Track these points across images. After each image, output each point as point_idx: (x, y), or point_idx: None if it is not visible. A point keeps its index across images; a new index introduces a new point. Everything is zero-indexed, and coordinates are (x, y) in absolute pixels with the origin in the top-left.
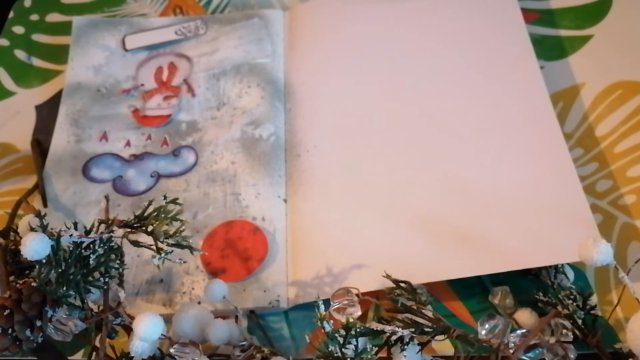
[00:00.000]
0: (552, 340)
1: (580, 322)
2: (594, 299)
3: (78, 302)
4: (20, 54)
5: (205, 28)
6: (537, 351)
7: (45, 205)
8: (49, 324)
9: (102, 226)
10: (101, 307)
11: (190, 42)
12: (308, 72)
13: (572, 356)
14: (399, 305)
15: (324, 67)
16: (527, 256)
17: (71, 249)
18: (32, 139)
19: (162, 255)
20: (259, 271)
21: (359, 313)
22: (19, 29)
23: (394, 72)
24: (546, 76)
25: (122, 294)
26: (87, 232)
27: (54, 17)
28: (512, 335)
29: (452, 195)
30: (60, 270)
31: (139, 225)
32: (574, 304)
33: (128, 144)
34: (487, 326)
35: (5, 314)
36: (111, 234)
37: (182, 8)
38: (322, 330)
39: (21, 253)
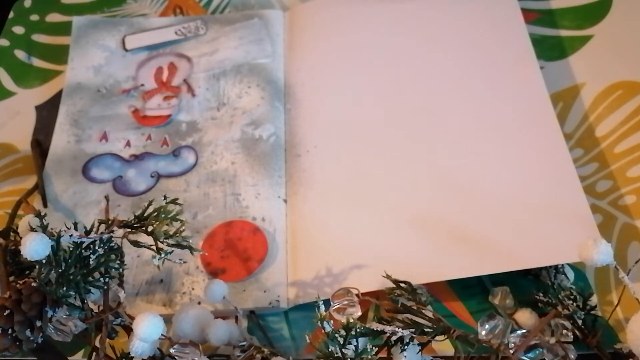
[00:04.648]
0: (552, 340)
1: (580, 322)
2: (594, 300)
3: (78, 303)
4: (20, 54)
5: (205, 28)
6: (537, 351)
7: (45, 205)
8: (49, 324)
9: (102, 226)
10: (101, 308)
11: (190, 42)
12: (308, 73)
13: (572, 356)
14: (399, 305)
15: (324, 68)
16: (527, 256)
17: (71, 249)
18: (32, 139)
19: (162, 255)
20: (259, 271)
21: (359, 313)
22: (19, 29)
23: (394, 72)
24: (546, 76)
25: (122, 294)
26: (87, 233)
27: (54, 17)
28: (512, 335)
29: (452, 195)
30: (60, 270)
31: (139, 225)
32: (574, 304)
33: (128, 144)
34: (487, 326)
35: (5, 314)
36: (111, 234)
37: (182, 8)
38: (322, 331)
39: (21, 253)
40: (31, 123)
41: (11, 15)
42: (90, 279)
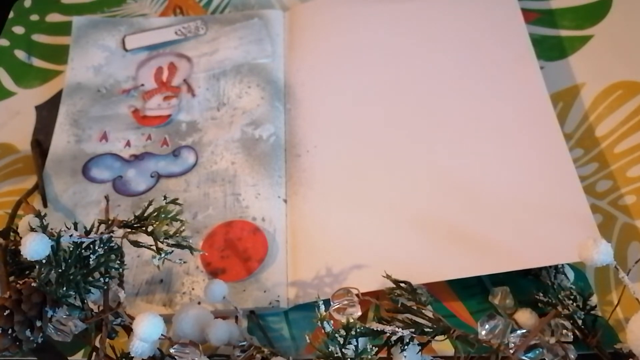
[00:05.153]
0: (552, 340)
1: (580, 322)
2: (594, 299)
3: (78, 303)
4: (20, 54)
5: (205, 28)
6: (537, 351)
7: (45, 205)
8: (49, 324)
9: (102, 226)
10: (101, 308)
11: (190, 42)
12: (308, 73)
13: (572, 356)
14: (399, 305)
15: (324, 68)
16: (527, 256)
17: (71, 249)
18: (32, 139)
19: (162, 255)
20: (259, 271)
21: (359, 313)
22: (19, 29)
23: (394, 72)
24: (546, 76)
25: (122, 294)
26: (87, 233)
27: (54, 17)
28: (512, 335)
29: (452, 195)
30: (60, 270)
31: (139, 225)
32: (574, 304)
33: (128, 144)
34: (487, 326)
35: (5, 314)
36: (111, 234)
37: (182, 8)
38: (322, 331)
39: (21, 253)
40: (31, 123)
41: (11, 15)
42: (90, 279)
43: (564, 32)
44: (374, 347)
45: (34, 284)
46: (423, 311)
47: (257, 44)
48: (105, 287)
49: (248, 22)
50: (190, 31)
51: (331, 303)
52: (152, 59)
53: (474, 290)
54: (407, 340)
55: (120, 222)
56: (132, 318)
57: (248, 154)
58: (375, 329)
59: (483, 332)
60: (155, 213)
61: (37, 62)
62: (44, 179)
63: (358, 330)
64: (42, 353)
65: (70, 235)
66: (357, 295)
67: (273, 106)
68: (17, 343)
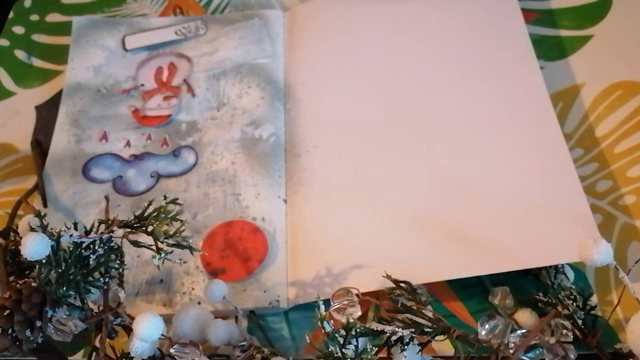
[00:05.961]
0: (552, 340)
1: (580, 322)
2: (594, 299)
3: (78, 303)
4: (20, 54)
5: (205, 28)
6: (537, 351)
7: (45, 205)
8: (49, 324)
9: (102, 226)
10: (101, 308)
11: (190, 42)
12: (308, 73)
13: (572, 356)
14: (399, 305)
15: (324, 68)
16: (527, 256)
17: (71, 249)
18: (32, 139)
19: (162, 255)
20: (259, 271)
21: (359, 313)
22: (19, 29)
23: (394, 72)
24: (546, 76)
25: (122, 294)
26: (87, 233)
27: (54, 17)
28: (512, 335)
29: (452, 195)
30: (60, 270)
31: (139, 225)
32: (574, 304)
33: (128, 144)
34: (487, 326)
35: (5, 314)
36: (111, 234)
37: (182, 8)
38: (322, 331)
39: (21, 253)
40: (31, 123)
41: (11, 15)
42: (90, 279)
43: (564, 32)
44: (374, 347)
45: (34, 284)
46: (423, 311)
47: (257, 44)
48: (105, 287)
49: (248, 22)
50: (190, 31)
51: (331, 303)
52: (152, 59)
53: (474, 290)
54: (407, 340)
55: (120, 222)
56: (132, 318)
57: (248, 154)
58: (375, 329)
59: (483, 332)
60: (155, 213)
61: (37, 62)
62: (44, 179)
63: (358, 330)
64: (42, 353)
65: (70, 235)
66: (357, 295)
67: (273, 106)
68: (17, 343)
